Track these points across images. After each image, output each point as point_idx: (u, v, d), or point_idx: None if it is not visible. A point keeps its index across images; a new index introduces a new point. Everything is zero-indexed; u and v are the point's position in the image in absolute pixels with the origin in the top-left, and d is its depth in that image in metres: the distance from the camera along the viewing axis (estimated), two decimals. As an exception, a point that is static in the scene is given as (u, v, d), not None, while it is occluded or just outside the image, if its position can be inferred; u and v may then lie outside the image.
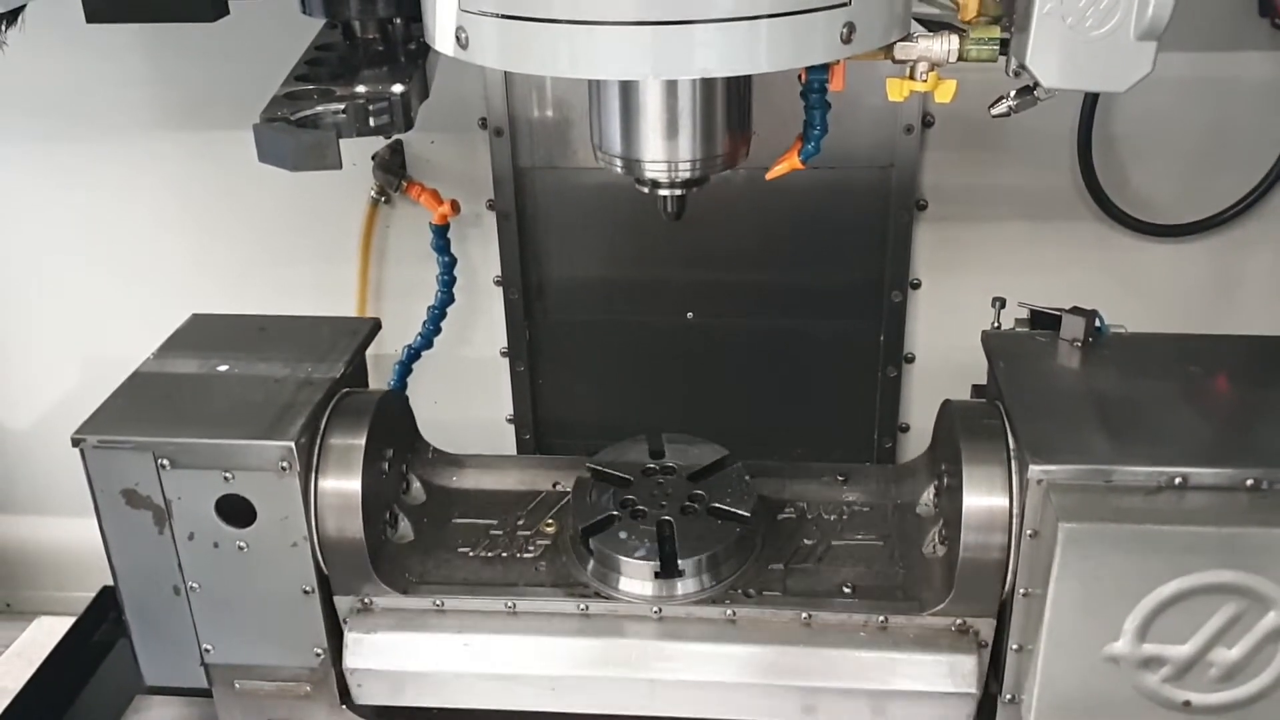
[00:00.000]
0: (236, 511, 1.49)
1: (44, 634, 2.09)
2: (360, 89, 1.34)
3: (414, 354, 2.19)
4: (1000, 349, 1.59)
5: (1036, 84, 1.23)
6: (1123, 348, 1.59)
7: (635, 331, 2.24)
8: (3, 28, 1.62)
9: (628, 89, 1.31)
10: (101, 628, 2.06)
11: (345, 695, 1.60)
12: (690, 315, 2.21)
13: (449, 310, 2.18)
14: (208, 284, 2.39)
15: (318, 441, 1.50)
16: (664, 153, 1.34)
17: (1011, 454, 1.40)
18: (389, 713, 1.62)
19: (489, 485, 1.73)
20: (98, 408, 1.53)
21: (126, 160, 2.31)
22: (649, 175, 1.37)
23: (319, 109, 1.30)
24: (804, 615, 1.46)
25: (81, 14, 1.51)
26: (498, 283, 2.25)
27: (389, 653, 1.51)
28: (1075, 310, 1.60)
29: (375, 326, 1.75)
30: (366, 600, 1.52)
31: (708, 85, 1.30)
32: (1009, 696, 1.45)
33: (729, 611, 1.47)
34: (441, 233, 2.14)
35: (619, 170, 1.39)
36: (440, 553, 1.61)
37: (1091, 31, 1.18)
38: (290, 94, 1.35)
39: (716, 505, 1.57)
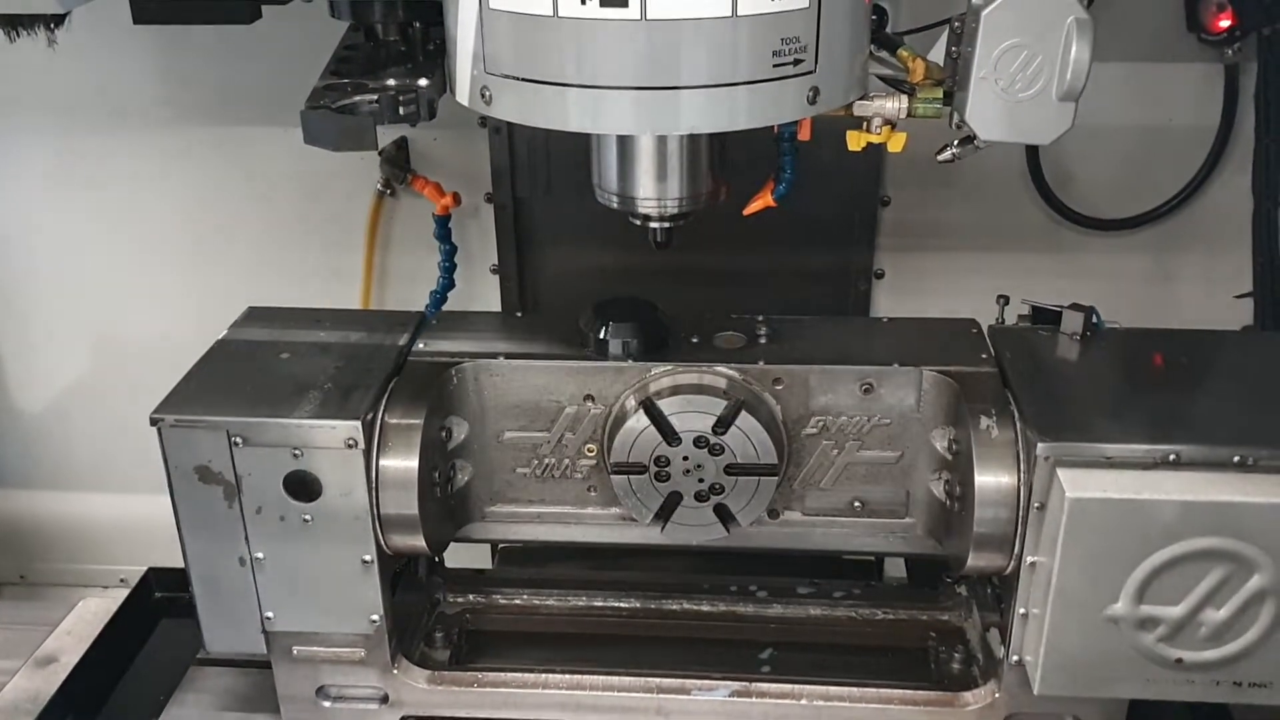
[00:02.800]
0: (303, 487, 1.60)
1: (90, 612, 2.17)
2: (390, 82, 1.51)
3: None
4: (1005, 342, 1.72)
5: (975, 136, 1.44)
6: (1117, 341, 1.73)
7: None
8: (52, 28, 1.74)
9: (625, 140, 1.54)
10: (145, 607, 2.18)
11: (407, 654, 1.73)
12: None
13: (449, 295, 2.32)
14: (222, 271, 2.56)
15: (379, 421, 1.61)
16: (655, 192, 1.57)
17: (1018, 430, 1.53)
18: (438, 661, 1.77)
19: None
20: (172, 390, 1.64)
21: (145, 155, 2.46)
22: (641, 211, 1.59)
23: (356, 99, 1.48)
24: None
25: (105, 14, 1.68)
26: (494, 271, 2.43)
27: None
28: (1074, 306, 1.74)
29: (422, 319, 1.87)
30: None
31: (693, 138, 1.52)
32: (1015, 659, 1.59)
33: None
34: (443, 223, 2.28)
35: (615, 206, 1.61)
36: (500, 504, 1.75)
37: (1020, 94, 1.40)
38: (328, 86, 1.52)
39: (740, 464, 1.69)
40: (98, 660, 2.01)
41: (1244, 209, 2.24)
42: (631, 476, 1.69)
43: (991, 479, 1.53)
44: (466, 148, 2.37)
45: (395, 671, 1.72)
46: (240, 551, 1.64)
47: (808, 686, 1.71)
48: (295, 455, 1.58)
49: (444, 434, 1.71)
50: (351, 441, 1.56)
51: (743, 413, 1.68)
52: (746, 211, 1.64)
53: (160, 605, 2.18)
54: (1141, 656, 1.48)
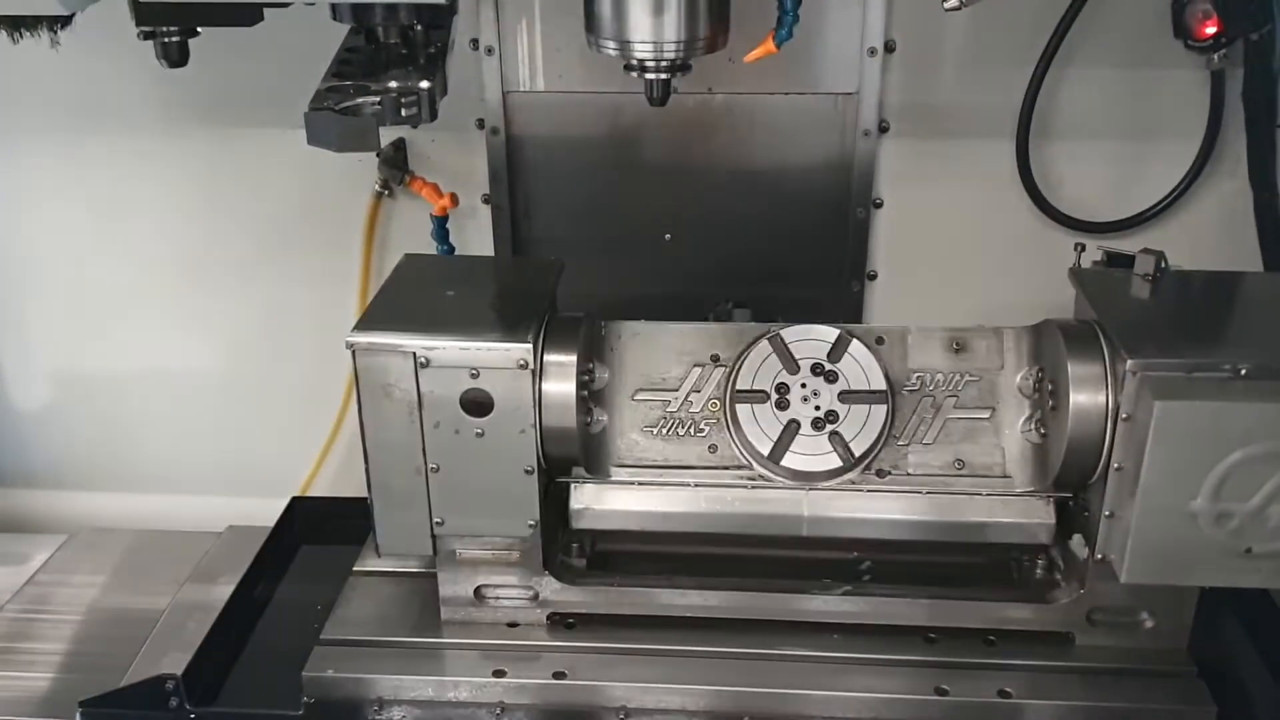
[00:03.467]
0: (477, 404, 1.83)
1: (239, 538, 2.40)
2: (392, 84, 1.63)
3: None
4: (1087, 280, 1.95)
5: None
6: (1185, 280, 1.96)
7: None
8: (57, 30, 1.87)
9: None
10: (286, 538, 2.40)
11: (549, 562, 1.95)
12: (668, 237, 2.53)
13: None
14: (220, 270, 2.70)
15: (542, 347, 1.84)
16: (651, 34, 1.67)
17: (1106, 354, 1.76)
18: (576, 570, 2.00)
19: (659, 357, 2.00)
20: (363, 315, 1.87)
21: (144, 153, 2.59)
22: (638, 57, 1.70)
23: (358, 100, 1.59)
24: (924, 491, 1.83)
25: (106, 15, 1.76)
26: None
27: (600, 501, 1.90)
28: (1146, 251, 1.96)
29: (562, 266, 2.09)
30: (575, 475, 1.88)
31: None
32: (1100, 556, 1.81)
33: (866, 489, 1.85)
34: (441, 223, 2.44)
35: (612, 53, 1.70)
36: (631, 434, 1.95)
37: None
38: (331, 88, 1.63)
39: (853, 390, 1.92)
40: (253, 578, 2.24)
41: (1230, 211, 2.39)
42: (754, 405, 1.92)
43: (1085, 396, 1.75)
44: (463, 150, 2.50)
45: (546, 573, 1.95)
46: (417, 462, 1.86)
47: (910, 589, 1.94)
48: (472, 375, 1.80)
49: (588, 376, 1.93)
50: (523, 363, 1.79)
51: (854, 341, 1.91)
52: (748, 59, 1.78)
53: (302, 533, 2.41)
54: (1216, 547, 1.70)
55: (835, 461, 1.87)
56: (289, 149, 2.53)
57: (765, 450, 1.86)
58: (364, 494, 1.90)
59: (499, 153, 2.48)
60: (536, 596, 1.97)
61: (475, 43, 2.39)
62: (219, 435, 2.87)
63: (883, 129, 2.42)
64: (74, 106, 2.57)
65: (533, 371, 1.80)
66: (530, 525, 1.90)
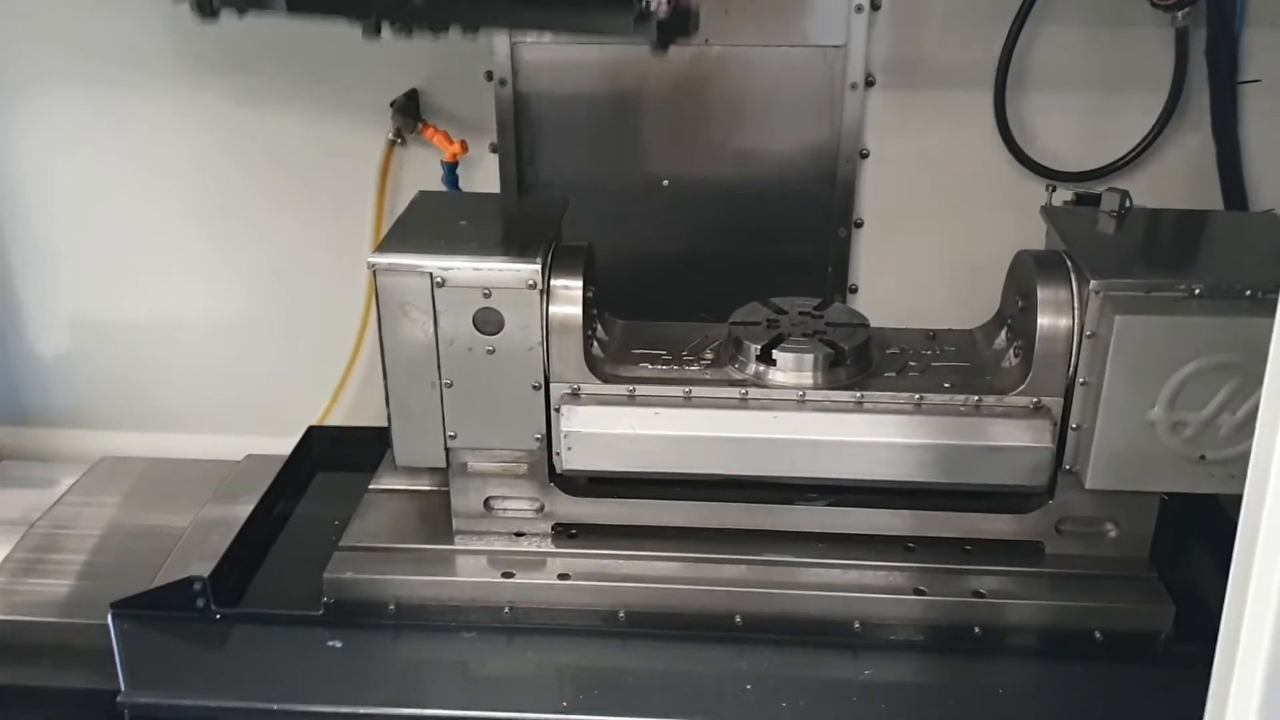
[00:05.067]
0: (488, 323, 1.96)
1: (258, 465, 2.53)
2: None
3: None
4: (1057, 216, 2.10)
5: None
6: (1147, 217, 2.11)
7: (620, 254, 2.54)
8: None
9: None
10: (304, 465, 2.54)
11: (553, 475, 2.08)
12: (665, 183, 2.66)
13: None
14: (236, 217, 2.84)
15: (551, 262, 1.97)
16: None
17: (1073, 276, 1.90)
18: (580, 486, 2.12)
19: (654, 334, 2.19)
20: (382, 240, 2.00)
21: (167, 102, 2.72)
22: None
23: None
24: (916, 397, 1.96)
25: None
26: None
27: (593, 420, 1.98)
28: (1111, 189, 2.10)
29: (567, 202, 2.22)
30: (577, 388, 2.00)
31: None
32: (1068, 467, 1.95)
33: (858, 395, 1.97)
34: (451, 169, 2.59)
35: None
36: (626, 365, 2.08)
37: None
38: None
39: (837, 321, 2.07)
40: (273, 498, 2.38)
41: (1194, 163, 2.54)
42: (748, 328, 2.06)
43: (1052, 316, 1.89)
44: (472, 101, 2.63)
45: (552, 485, 2.08)
46: (432, 377, 1.99)
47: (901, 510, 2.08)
48: (485, 295, 1.93)
49: (591, 294, 2.06)
50: (532, 283, 1.92)
51: (836, 300, 2.07)
52: None
53: (319, 461, 2.55)
54: (1172, 455, 1.85)
55: (824, 361, 2.00)
56: (306, 98, 2.70)
57: (756, 350, 1.99)
58: (377, 424, 2.03)
59: (506, 103, 2.62)
60: (543, 508, 2.11)
61: None
62: (238, 375, 2.99)
63: (869, 82, 2.56)
64: (105, 58, 2.70)
65: (541, 292, 1.93)
66: (537, 439, 2.03)
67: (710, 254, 2.70)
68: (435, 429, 2.04)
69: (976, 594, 1.97)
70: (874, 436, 1.94)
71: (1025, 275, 1.99)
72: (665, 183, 2.67)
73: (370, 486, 2.29)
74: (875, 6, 2.49)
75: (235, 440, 2.83)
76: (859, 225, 2.70)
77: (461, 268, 1.93)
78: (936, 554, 2.05)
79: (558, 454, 2.01)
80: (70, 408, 3.10)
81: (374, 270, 1.94)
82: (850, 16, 2.49)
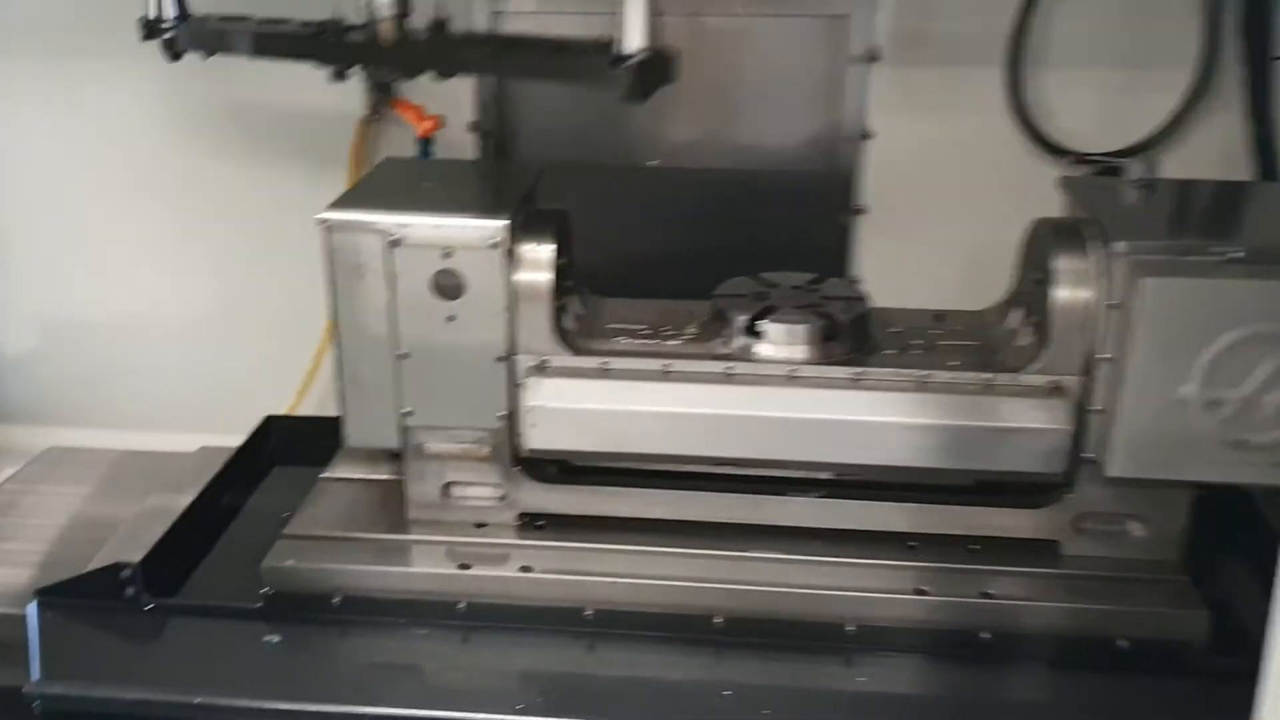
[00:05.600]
0: (448, 287, 1.78)
1: (211, 456, 2.34)
2: None
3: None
4: (1076, 187, 1.92)
5: None
6: (1171, 186, 1.93)
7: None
8: None
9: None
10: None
11: (518, 460, 1.89)
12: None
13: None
14: (208, 193, 2.68)
15: (518, 223, 1.80)
16: None
17: (1094, 242, 1.71)
18: (548, 472, 1.93)
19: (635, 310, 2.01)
20: (337, 199, 1.83)
21: (132, 74, 2.56)
22: None
23: None
24: (920, 374, 1.76)
25: None
26: None
27: (561, 394, 1.79)
28: (1137, 160, 1.93)
29: (543, 169, 2.05)
30: (544, 361, 1.81)
31: None
32: (1089, 455, 1.75)
33: (854, 371, 1.77)
34: (425, 145, 2.43)
35: None
36: (601, 339, 1.90)
37: None
38: None
39: (833, 295, 1.89)
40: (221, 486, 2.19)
41: (1225, 144, 2.36)
42: (733, 300, 1.88)
43: (1070, 286, 1.71)
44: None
45: (517, 470, 1.89)
46: (388, 348, 1.82)
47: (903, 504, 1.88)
48: (444, 255, 1.76)
49: (566, 262, 1.89)
50: (495, 242, 1.75)
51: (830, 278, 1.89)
52: None
53: (276, 454, 2.36)
54: (1207, 439, 1.65)
55: (817, 335, 1.81)
56: (277, 74, 2.54)
57: (742, 322, 1.81)
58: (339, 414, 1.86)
59: (488, 79, 2.46)
60: (506, 496, 1.91)
61: (470, -32, 2.38)
62: (205, 368, 2.83)
63: (874, 58, 2.39)
64: (65, 29, 2.56)
65: (506, 252, 1.76)
66: (499, 417, 1.85)
67: (700, 241, 2.52)
68: (390, 405, 1.86)
69: (985, 595, 1.76)
70: (872, 415, 1.74)
71: (1041, 244, 1.80)
72: (654, 163, 2.50)
73: (323, 475, 2.10)
74: (883, -25, 2.34)
75: (202, 439, 2.67)
76: (861, 212, 2.52)
77: (419, 224, 1.76)
78: (940, 553, 1.84)
79: (521, 433, 1.83)
80: (27, 404, 2.93)
81: (326, 227, 1.78)
82: (855, -15, 2.33)
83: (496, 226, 1.74)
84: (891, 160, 2.48)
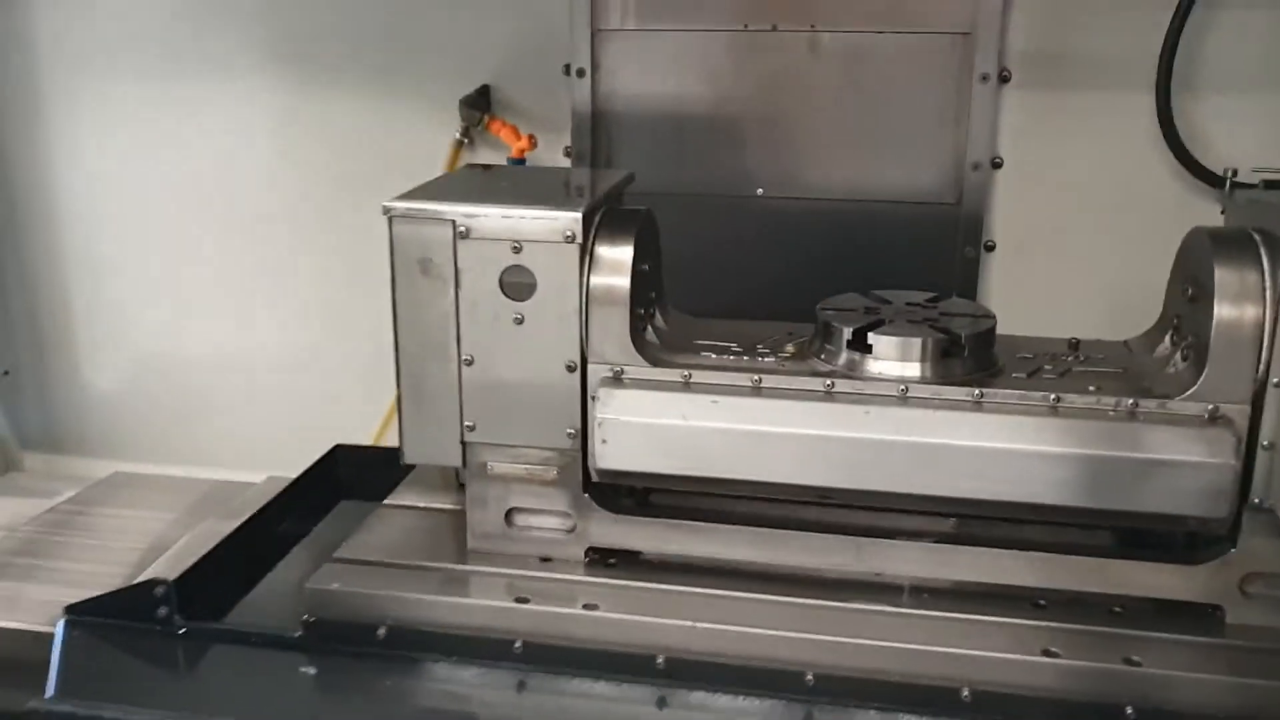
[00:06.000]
0: (518, 285, 1.62)
1: (276, 485, 2.20)
2: None
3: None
4: (1239, 200, 1.67)
5: None
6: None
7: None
8: None
9: None
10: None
11: (589, 485, 1.69)
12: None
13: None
14: (304, 212, 2.58)
15: (595, 220, 1.63)
16: None
17: (1263, 252, 1.46)
18: (624, 497, 1.72)
19: (727, 329, 1.82)
20: (406, 192, 1.69)
21: (232, 99, 2.52)
22: None
23: None
24: (1052, 398, 1.51)
25: None
26: None
27: (637, 407, 1.59)
28: (1318, 170, 1.67)
29: (632, 176, 1.89)
30: (620, 371, 1.62)
31: None
32: (1258, 501, 1.47)
33: (975, 392, 1.53)
34: (519, 165, 2.29)
35: None
36: (684, 354, 1.70)
37: None
38: None
39: (954, 312, 1.66)
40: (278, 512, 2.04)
41: None
42: (841, 312, 1.67)
43: (1233, 301, 1.45)
44: (548, 99, 2.36)
45: (587, 496, 1.69)
46: (451, 352, 1.66)
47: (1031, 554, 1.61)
48: (515, 250, 1.60)
49: (648, 268, 1.71)
50: (570, 235, 1.58)
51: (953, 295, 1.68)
52: None
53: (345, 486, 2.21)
54: (1407, 480, 1.36)
55: (935, 350, 1.58)
56: (372, 94, 2.47)
57: (848, 334, 1.59)
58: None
59: (584, 99, 2.32)
60: (575, 528, 1.71)
61: (566, -20, 2.28)
62: (288, 407, 2.71)
63: (1004, 78, 2.19)
64: (167, 53, 2.53)
65: (580, 247, 1.59)
66: (570, 434, 1.66)
67: (809, 276, 2.30)
68: (451, 417, 1.69)
69: (1129, 661, 1.48)
70: (996, 441, 1.50)
71: (1197, 256, 1.56)
72: (759, 191, 2.32)
73: (385, 502, 1.94)
74: (1015, -12, 2.14)
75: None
76: (990, 248, 2.29)
77: (488, 214, 1.60)
78: (1076, 614, 1.57)
79: (592, 452, 1.63)
80: (111, 437, 2.85)
81: (389, 217, 1.64)
82: (983, -6, 2.14)
83: (570, 218, 1.58)
84: (1024, 191, 2.25)
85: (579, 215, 1.58)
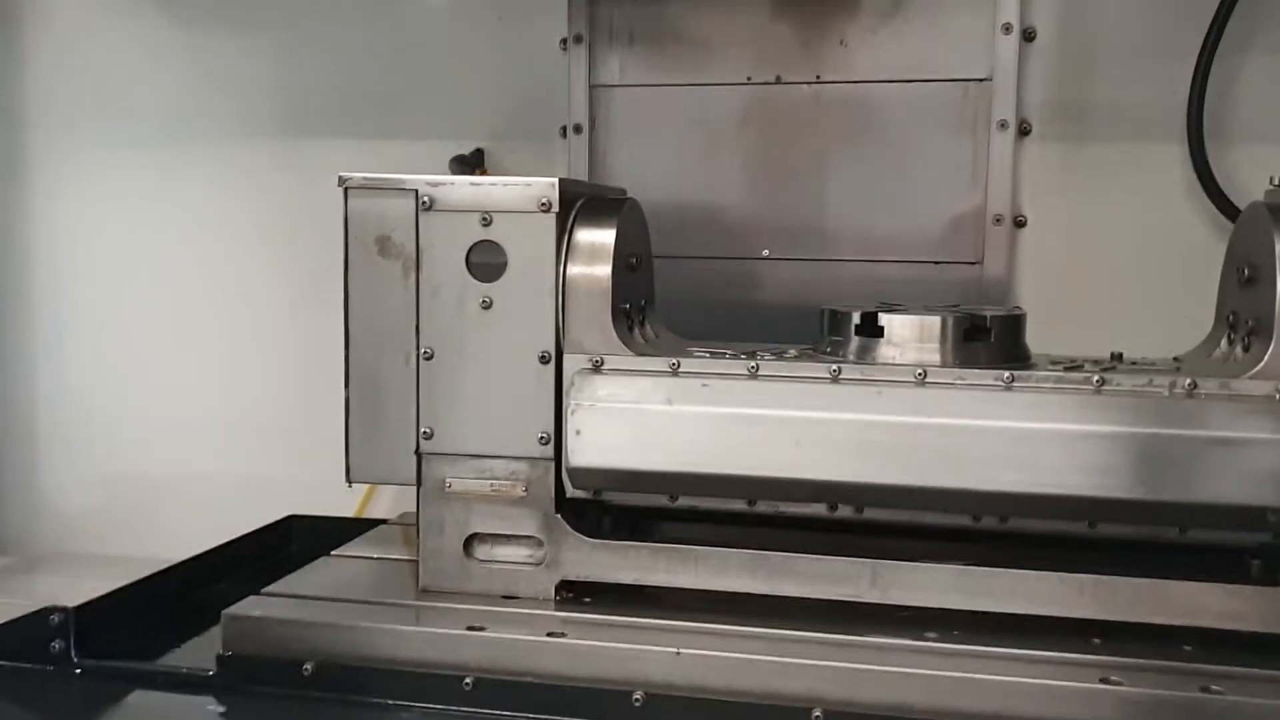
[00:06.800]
0: (486, 265, 1.45)
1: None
2: None
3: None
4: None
5: None
6: None
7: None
8: None
9: None
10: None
11: (562, 503, 1.46)
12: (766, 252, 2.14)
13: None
14: (285, 284, 2.42)
15: (575, 200, 1.47)
16: None
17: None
18: (600, 515, 1.48)
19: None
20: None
21: (216, 165, 2.41)
22: None
23: None
24: (1095, 379, 1.30)
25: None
26: None
27: (617, 393, 1.38)
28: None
29: (624, 193, 1.75)
30: (599, 360, 1.42)
31: None
32: (1344, 501, 1.24)
33: (1005, 375, 1.32)
34: None
35: None
36: (676, 352, 1.49)
37: None
38: None
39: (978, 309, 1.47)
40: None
41: None
42: (850, 311, 1.48)
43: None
44: (543, 162, 2.24)
45: (559, 516, 1.45)
46: (408, 346, 1.47)
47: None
48: (484, 222, 1.44)
49: (636, 259, 1.54)
50: (545, 203, 1.42)
51: None
52: None
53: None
54: None
55: (957, 333, 1.38)
56: (365, 160, 2.35)
57: (856, 318, 1.39)
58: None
59: (581, 154, 2.20)
60: (544, 559, 1.47)
61: (564, 43, 2.20)
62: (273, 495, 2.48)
63: (1024, 130, 2.06)
64: (154, 119, 2.41)
65: (558, 217, 1.42)
66: (542, 439, 1.44)
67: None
68: (406, 423, 1.48)
69: (1206, 690, 1.20)
70: (1031, 421, 1.27)
71: (1252, 233, 1.38)
72: (766, 253, 2.16)
73: (333, 552, 1.70)
74: (1029, 37, 2.04)
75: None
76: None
77: (455, 183, 1.45)
78: (1136, 647, 1.30)
79: (566, 450, 1.41)
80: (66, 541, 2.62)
81: (346, 189, 1.48)
82: (997, 41, 2.03)
83: (545, 184, 1.42)
84: (1051, 250, 2.08)
85: (554, 180, 1.42)
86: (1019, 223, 2.07)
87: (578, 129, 2.19)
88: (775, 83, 2.13)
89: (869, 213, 2.13)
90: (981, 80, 2.05)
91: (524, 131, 2.26)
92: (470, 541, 1.49)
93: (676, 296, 1.95)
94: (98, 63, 2.45)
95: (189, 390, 2.50)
